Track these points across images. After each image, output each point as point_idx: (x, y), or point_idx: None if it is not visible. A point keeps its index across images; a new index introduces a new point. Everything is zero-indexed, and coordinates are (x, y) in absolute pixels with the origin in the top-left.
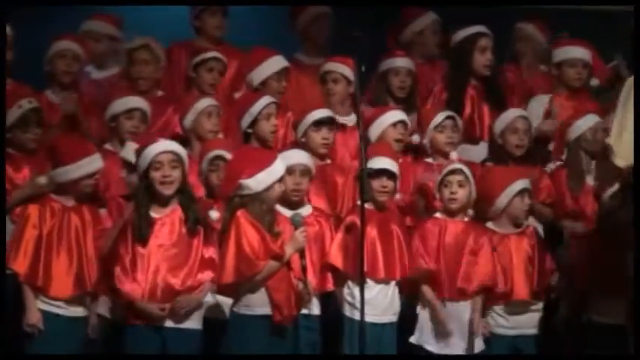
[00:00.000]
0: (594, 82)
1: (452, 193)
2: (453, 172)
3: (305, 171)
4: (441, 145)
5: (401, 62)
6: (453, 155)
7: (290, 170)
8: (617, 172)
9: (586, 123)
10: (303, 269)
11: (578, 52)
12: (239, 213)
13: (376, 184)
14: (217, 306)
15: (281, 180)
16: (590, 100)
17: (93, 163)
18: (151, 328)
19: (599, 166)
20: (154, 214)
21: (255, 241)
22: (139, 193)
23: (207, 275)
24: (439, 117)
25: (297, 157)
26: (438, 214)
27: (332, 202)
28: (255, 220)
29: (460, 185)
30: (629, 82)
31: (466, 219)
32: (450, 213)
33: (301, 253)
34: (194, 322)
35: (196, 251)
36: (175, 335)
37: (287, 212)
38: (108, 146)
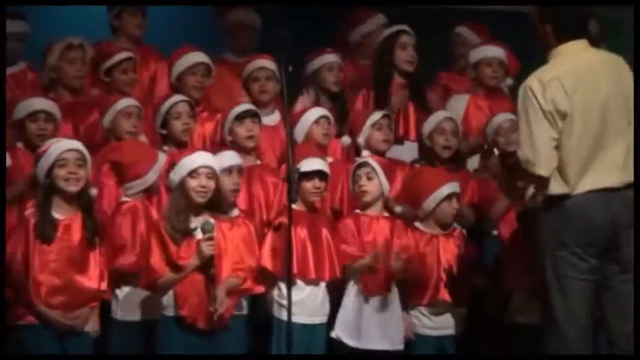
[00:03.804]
0: (509, 81)
1: (361, 186)
2: (359, 166)
3: (210, 174)
4: (378, 143)
5: (333, 58)
6: (365, 153)
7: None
8: (541, 182)
9: (497, 120)
10: (211, 279)
11: (493, 50)
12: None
13: (308, 185)
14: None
15: (193, 175)
16: (506, 99)
17: None
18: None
19: (517, 175)
20: (57, 215)
21: (156, 251)
22: (40, 193)
23: (102, 286)
24: (376, 115)
25: (201, 160)
26: (357, 210)
27: (263, 202)
28: (161, 229)
29: (369, 178)
30: (524, 87)
31: (385, 214)
32: (364, 206)
33: (209, 263)
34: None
35: (94, 259)
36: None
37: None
38: (19, 145)
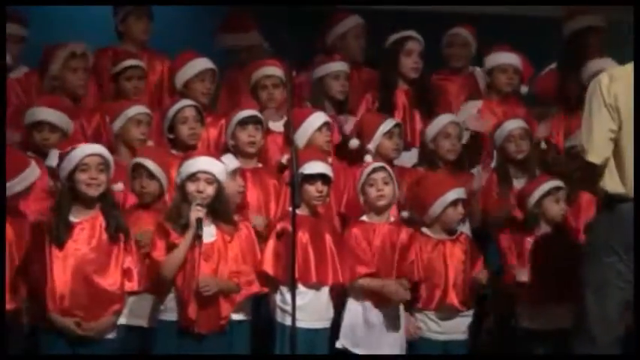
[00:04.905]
0: (524, 89)
1: (379, 190)
2: (375, 170)
3: (210, 180)
4: (389, 151)
5: (340, 66)
6: (368, 158)
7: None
8: (592, 170)
9: (509, 127)
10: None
11: (509, 57)
12: None
13: (311, 189)
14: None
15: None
16: (520, 105)
17: (33, 173)
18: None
19: (567, 166)
20: (73, 218)
21: (159, 245)
22: (59, 196)
23: (128, 286)
24: (388, 124)
25: (201, 165)
26: (364, 217)
27: (266, 205)
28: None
29: (385, 182)
30: (595, 80)
31: (392, 219)
32: (378, 211)
33: (197, 240)
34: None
35: (116, 259)
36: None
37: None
38: (30, 154)
